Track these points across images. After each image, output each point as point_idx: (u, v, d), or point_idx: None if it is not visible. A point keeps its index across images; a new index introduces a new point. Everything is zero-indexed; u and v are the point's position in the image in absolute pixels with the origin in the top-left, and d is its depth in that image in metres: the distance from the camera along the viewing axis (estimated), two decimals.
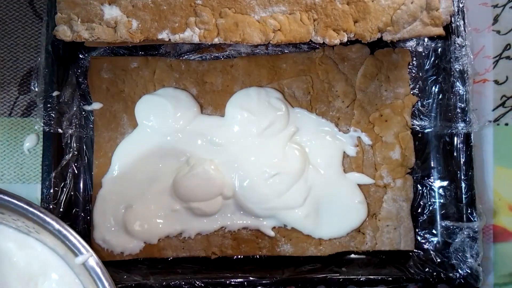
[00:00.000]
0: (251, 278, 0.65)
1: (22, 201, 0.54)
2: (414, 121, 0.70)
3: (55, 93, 0.66)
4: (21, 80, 0.73)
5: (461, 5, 0.66)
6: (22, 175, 0.72)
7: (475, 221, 0.65)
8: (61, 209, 0.66)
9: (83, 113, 0.71)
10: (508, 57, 0.73)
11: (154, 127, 0.69)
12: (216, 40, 0.63)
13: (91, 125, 0.71)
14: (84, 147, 0.70)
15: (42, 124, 0.66)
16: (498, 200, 0.72)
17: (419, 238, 0.69)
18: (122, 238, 0.68)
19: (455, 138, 0.66)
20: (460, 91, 0.66)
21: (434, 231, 0.69)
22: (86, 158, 0.70)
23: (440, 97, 0.69)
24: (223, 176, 0.68)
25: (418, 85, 0.71)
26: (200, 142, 0.69)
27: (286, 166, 0.68)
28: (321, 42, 0.63)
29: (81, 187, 0.70)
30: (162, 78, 0.71)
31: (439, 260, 0.67)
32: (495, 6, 0.73)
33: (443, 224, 0.68)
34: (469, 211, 0.65)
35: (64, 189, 0.67)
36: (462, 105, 0.66)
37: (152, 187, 0.69)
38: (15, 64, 0.73)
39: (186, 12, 0.62)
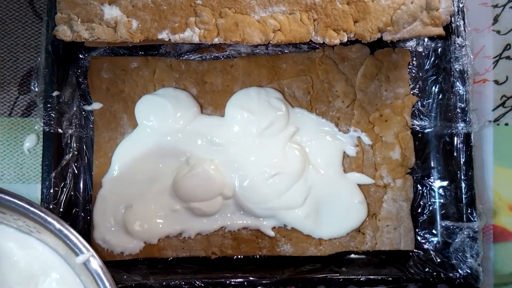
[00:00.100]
0: (251, 278, 0.65)
1: (23, 201, 0.54)
2: (414, 121, 0.70)
3: (55, 93, 0.66)
4: (21, 80, 0.73)
5: (461, 5, 0.66)
6: (22, 175, 0.72)
7: (475, 221, 0.65)
8: (61, 209, 0.66)
9: (83, 113, 0.71)
10: (508, 57, 0.73)
11: (154, 127, 0.69)
12: (216, 40, 0.63)
13: (91, 125, 0.71)
14: (84, 147, 0.70)
15: (42, 124, 0.66)
16: (498, 200, 0.72)
17: (419, 238, 0.69)
18: (122, 238, 0.68)
19: (455, 138, 0.66)
20: (460, 91, 0.66)
21: (434, 231, 0.69)
22: (86, 158, 0.70)
23: (440, 97, 0.69)
24: (223, 176, 0.68)
25: (418, 85, 0.71)
26: (200, 142, 0.69)
27: (286, 166, 0.68)
28: (321, 42, 0.63)
29: (81, 187, 0.70)
30: (162, 78, 0.71)
31: (439, 260, 0.68)
32: (495, 6, 0.73)
33: (443, 224, 0.68)
34: (469, 211, 0.65)
35: (64, 189, 0.67)
36: (462, 105, 0.66)
37: (152, 187, 0.69)
38: (15, 64, 0.73)
39: (186, 12, 0.62)
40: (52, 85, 0.66)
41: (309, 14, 0.63)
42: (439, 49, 0.69)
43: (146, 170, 0.69)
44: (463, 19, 0.66)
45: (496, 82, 0.73)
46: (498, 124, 0.73)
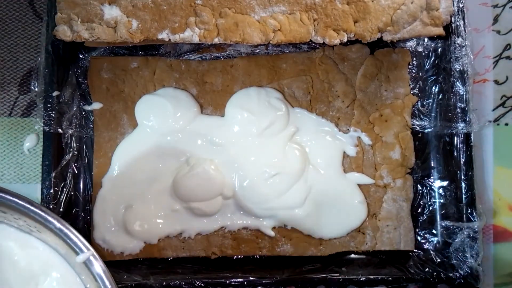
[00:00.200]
0: (251, 278, 0.65)
1: (24, 200, 0.54)
2: (414, 121, 0.70)
3: (55, 93, 0.66)
4: (21, 80, 0.73)
5: (461, 5, 0.66)
6: (22, 175, 0.72)
7: (475, 221, 0.65)
8: (61, 209, 0.66)
9: (83, 113, 0.71)
10: (508, 57, 0.73)
11: (154, 127, 0.69)
12: (216, 40, 0.63)
13: (91, 125, 0.71)
14: (84, 147, 0.70)
15: (42, 124, 0.66)
16: (498, 200, 0.72)
17: (419, 238, 0.69)
18: (122, 238, 0.68)
19: (455, 138, 0.66)
20: (460, 91, 0.66)
21: (434, 231, 0.69)
22: (86, 158, 0.70)
23: (440, 97, 0.69)
24: (223, 176, 0.68)
25: (418, 85, 0.71)
26: (200, 142, 0.69)
27: (286, 166, 0.68)
28: (321, 42, 0.63)
29: (81, 187, 0.70)
30: (162, 78, 0.71)
31: (439, 260, 0.67)
32: (495, 6, 0.73)
33: (443, 224, 0.68)
34: (469, 211, 0.65)
35: (64, 189, 0.67)
36: (462, 105, 0.66)
37: (152, 187, 0.69)
38: (15, 64, 0.73)
39: (186, 12, 0.62)
40: (52, 85, 0.66)
41: (309, 14, 0.63)
42: (439, 49, 0.69)
43: (146, 170, 0.69)
44: (463, 19, 0.66)
45: (496, 82, 0.73)
46: (498, 124, 0.73)
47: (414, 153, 0.70)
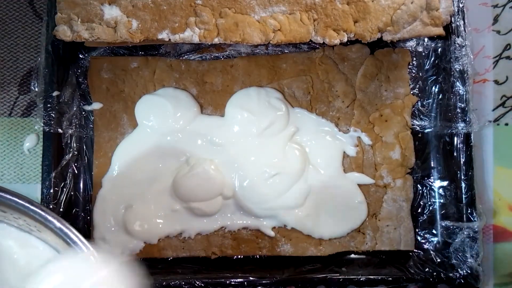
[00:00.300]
0: (251, 278, 0.65)
1: (24, 200, 0.54)
2: (414, 121, 0.70)
3: (55, 93, 0.66)
4: (21, 80, 0.73)
5: (461, 5, 0.66)
6: (22, 175, 0.72)
7: (475, 221, 0.65)
8: (61, 209, 0.66)
9: (83, 113, 0.71)
10: (508, 57, 0.73)
11: (154, 127, 0.69)
12: (216, 40, 0.63)
13: (91, 125, 0.71)
14: (84, 147, 0.70)
15: (42, 124, 0.66)
16: (498, 200, 0.72)
17: (419, 238, 0.69)
18: (122, 238, 0.68)
19: (455, 138, 0.66)
20: (460, 91, 0.66)
21: (434, 231, 0.69)
22: (86, 158, 0.70)
23: (440, 97, 0.69)
24: (223, 176, 0.68)
25: (418, 85, 0.71)
26: (200, 142, 0.69)
27: (286, 166, 0.68)
28: (321, 42, 0.63)
29: (81, 187, 0.70)
30: (162, 78, 0.71)
31: (439, 260, 0.67)
32: (495, 6, 0.73)
33: (443, 224, 0.68)
34: (469, 211, 0.65)
35: (64, 189, 0.67)
36: (462, 105, 0.66)
37: (152, 187, 0.69)
38: (15, 64, 0.73)
39: (186, 12, 0.62)
40: (52, 85, 0.66)
41: (309, 14, 0.63)
42: (439, 49, 0.69)
43: (146, 170, 0.69)
44: (463, 19, 0.66)
45: (496, 82, 0.73)
46: (498, 124, 0.73)
47: (414, 153, 0.70)
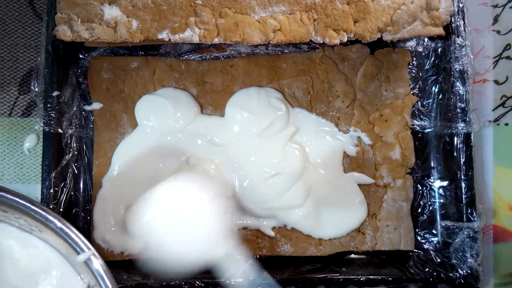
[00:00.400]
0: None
1: (25, 199, 0.54)
2: (414, 121, 0.70)
3: (55, 93, 0.66)
4: (21, 80, 0.73)
5: (461, 5, 0.66)
6: (22, 175, 0.72)
7: (475, 221, 0.65)
8: (61, 209, 0.66)
9: (83, 113, 0.71)
10: (508, 57, 0.73)
11: (154, 127, 0.69)
12: (216, 40, 0.63)
13: (91, 125, 0.71)
14: (84, 147, 0.70)
15: (42, 124, 0.66)
16: (498, 200, 0.72)
17: (419, 238, 0.69)
18: (122, 238, 0.68)
19: (455, 138, 0.66)
20: (460, 91, 0.66)
21: (434, 231, 0.69)
22: (86, 158, 0.70)
23: (440, 97, 0.69)
24: (223, 176, 0.68)
25: (418, 85, 0.71)
26: (200, 142, 0.69)
27: (286, 166, 0.68)
28: (321, 42, 0.63)
29: (81, 187, 0.70)
30: (162, 78, 0.71)
31: (439, 260, 0.67)
32: (495, 6, 0.73)
33: (443, 224, 0.68)
34: (469, 211, 0.65)
35: (64, 189, 0.67)
36: (462, 105, 0.66)
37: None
38: (15, 64, 0.73)
39: (186, 12, 0.62)
40: (52, 85, 0.66)
41: (309, 14, 0.63)
42: (439, 49, 0.69)
43: (146, 170, 0.69)
44: (463, 19, 0.66)
45: (496, 82, 0.73)
46: (498, 124, 0.73)
47: (414, 153, 0.70)
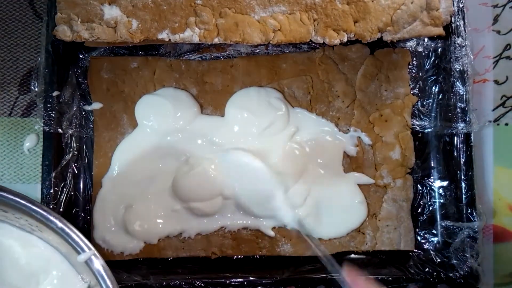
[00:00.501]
0: (251, 278, 0.65)
1: (26, 199, 0.54)
2: (414, 121, 0.70)
3: (55, 93, 0.66)
4: (21, 80, 0.73)
5: (461, 5, 0.66)
6: (22, 175, 0.72)
7: (475, 221, 0.65)
8: (61, 209, 0.66)
9: (83, 113, 0.71)
10: (508, 57, 0.73)
11: (154, 127, 0.69)
12: (216, 40, 0.63)
13: (91, 125, 0.71)
14: (84, 147, 0.70)
15: (42, 124, 0.66)
16: (498, 200, 0.72)
17: (419, 238, 0.69)
18: (122, 238, 0.68)
19: (455, 138, 0.66)
20: (460, 91, 0.66)
21: (434, 231, 0.69)
22: (86, 158, 0.70)
23: (440, 97, 0.69)
24: (223, 176, 0.68)
25: (418, 85, 0.71)
26: (200, 142, 0.69)
27: (286, 166, 0.68)
28: (321, 42, 0.63)
29: (81, 187, 0.70)
30: (162, 78, 0.71)
31: (439, 260, 0.67)
32: (495, 6, 0.73)
33: (443, 224, 0.68)
34: (469, 211, 0.65)
35: (64, 189, 0.67)
36: (462, 105, 0.66)
37: (152, 187, 0.69)
38: (15, 64, 0.73)
39: (186, 12, 0.62)
40: (52, 85, 0.66)
41: (309, 14, 0.63)
42: (439, 49, 0.69)
43: (146, 170, 0.69)
44: (463, 19, 0.66)
45: (496, 82, 0.73)
46: (498, 124, 0.73)
47: (414, 153, 0.70)
